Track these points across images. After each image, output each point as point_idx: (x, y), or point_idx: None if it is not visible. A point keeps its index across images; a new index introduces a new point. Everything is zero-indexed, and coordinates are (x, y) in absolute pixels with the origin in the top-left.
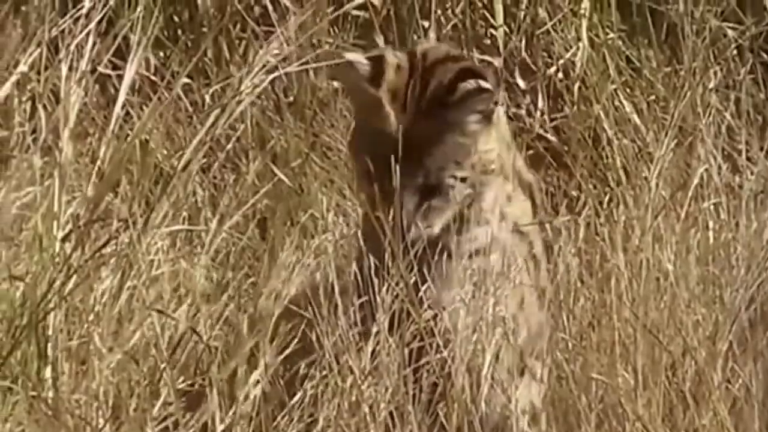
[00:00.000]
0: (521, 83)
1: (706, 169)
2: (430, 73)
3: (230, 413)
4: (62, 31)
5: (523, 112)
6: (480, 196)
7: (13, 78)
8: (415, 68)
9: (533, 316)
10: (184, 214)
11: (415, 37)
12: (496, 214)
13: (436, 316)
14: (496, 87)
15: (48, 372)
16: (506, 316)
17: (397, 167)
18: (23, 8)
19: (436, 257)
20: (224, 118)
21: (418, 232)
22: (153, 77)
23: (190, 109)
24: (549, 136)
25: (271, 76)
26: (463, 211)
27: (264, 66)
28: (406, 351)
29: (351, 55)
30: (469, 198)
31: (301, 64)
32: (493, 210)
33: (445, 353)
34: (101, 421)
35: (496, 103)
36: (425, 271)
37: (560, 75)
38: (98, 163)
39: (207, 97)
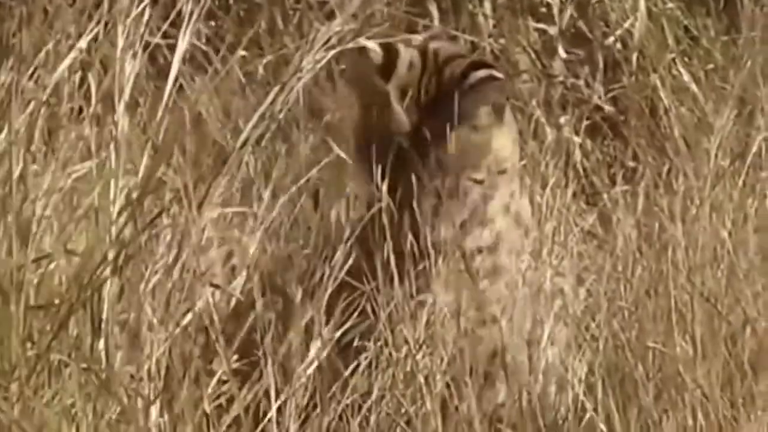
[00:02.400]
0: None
1: (765, 139)
2: (442, 70)
3: (286, 388)
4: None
5: (581, 82)
6: (492, 197)
7: (72, 54)
8: (427, 66)
9: None
10: (237, 185)
11: (471, 7)
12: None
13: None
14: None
15: (101, 345)
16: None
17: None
18: None
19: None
20: (283, 95)
21: (437, 236)
22: (205, 48)
23: (243, 80)
24: (606, 106)
25: (332, 53)
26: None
27: (325, 43)
28: (462, 321)
29: (365, 42)
30: (483, 200)
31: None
32: (501, 209)
33: (503, 323)
34: (153, 395)
35: (507, 99)
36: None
37: (618, 45)
38: (152, 135)
39: (261, 69)
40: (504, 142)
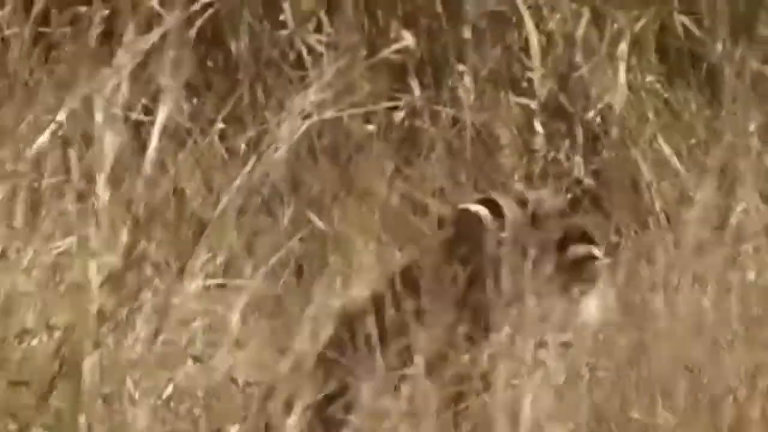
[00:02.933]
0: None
1: (746, 210)
2: (541, 224)
3: None
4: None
5: (561, 156)
6: None
7: (51, 127)
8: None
9: None
10: (220, 260)
11: (450, 82)
12: None
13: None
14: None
15: (83, 419)
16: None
17: None
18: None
19: None
20: (261, 165)
21: None
22: (187, 124)
23: (226, 156)
24: (587, 179)
25: (308, 122)
26: None
27: (300, 112)
28: (445, 394)
29: (473, 206)
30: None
31: (339, 110)
32: None
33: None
34: None
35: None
36: None
37: (598, 119)
38: (132, 209)
39: (243, 144)
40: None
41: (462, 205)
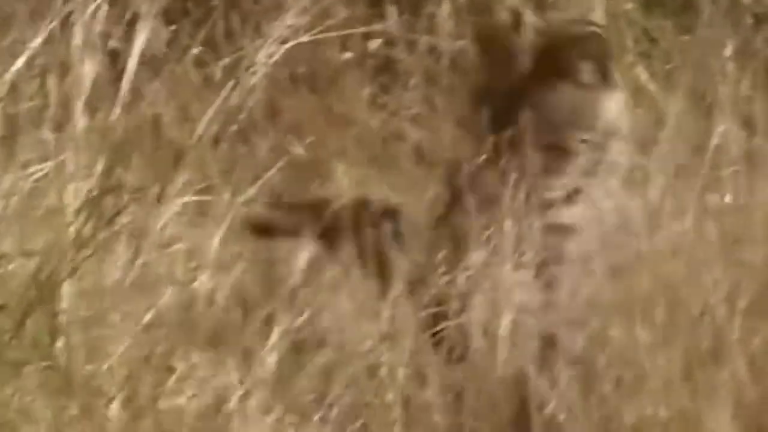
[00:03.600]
0: None
1: (724, 135)
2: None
3: (246, 382)
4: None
5: None
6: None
7: (27, 53)
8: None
9: None
10: (198, 187)
11: (429, 7)
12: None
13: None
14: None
15: (60, 344)
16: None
17: None
18: None
19: None
20: (238, 90)
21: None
22: (164, 51)
23: (203, 83)
24: None
25: (285, 47)
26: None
27: (277, 37)
28: (424, 314)
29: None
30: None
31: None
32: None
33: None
34: (114, 393)
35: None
36: None
37: None
38: (109, 136)
39: (219, 71)
40: (610, 104)
41: None
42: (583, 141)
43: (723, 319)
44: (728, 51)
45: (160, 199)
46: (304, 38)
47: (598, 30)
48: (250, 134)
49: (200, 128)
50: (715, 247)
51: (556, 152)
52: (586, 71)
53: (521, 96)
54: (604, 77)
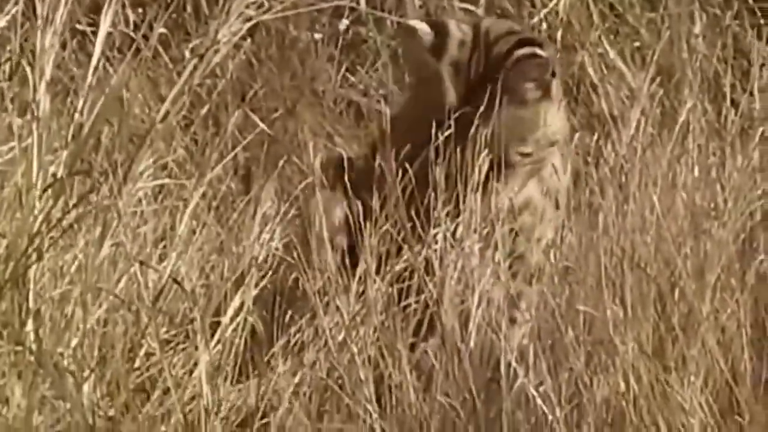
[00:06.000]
0: None
1: (692, 110)
2: (492, 48)
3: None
4: None
5: None
6: (540, 170)
7: None
8: (477, 44)
9: None
10: (168, 168)
11: None
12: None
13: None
14: (553, 58)
15: (30, 324)
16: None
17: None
18: None
19: None
20: (202, 68)
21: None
22: (132, 34)
23: (171, 65)
24: None
25: (249, 24)
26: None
27: (241, 14)
28: (394, 291)
29: (414, 23)
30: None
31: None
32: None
33: (433, 291)
34: (85, 371)
35: (553, 75)
36: None
37: (543, 23)
38: (76, 118)
39: (187, 52)
40: (552, 117)
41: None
42: (524, 155)
43: (693, 294)
44: (697, 28)
45: (126, 179)
46: (267, 16)
47: (543, 54)
48: (219, 114)
49: (165, 107)
50: (684, 222)
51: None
52: (530, 90)
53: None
54: (546, 93)
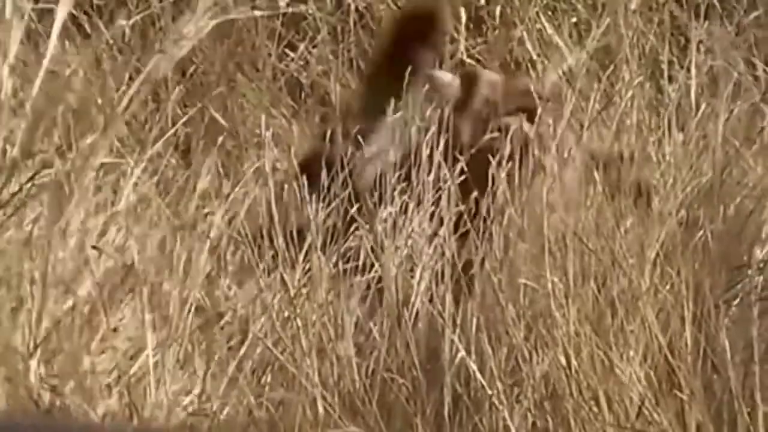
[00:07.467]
0: None
1: (629, 87)
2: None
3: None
4: None
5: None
6: None
7: None
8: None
9: None
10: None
11: None
12: None
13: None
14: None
15: None
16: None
17: None
18: None
19: None
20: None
21: None
22: (94, 18)
23: (111, 42)
24: (470, 60)
25: (215, 21)
26: None
27: (207, 11)
28: (341, 266)
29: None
30: None
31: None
32: None
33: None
34: (35, 353)
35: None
36: None
37: (482, 1)
38: (32, 102)
39: (127, 30)
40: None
41: None
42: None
43: (633, 269)
44: (633, 4)
45: (77, 160)
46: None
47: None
48: (158, 90)
49: (130, 95)
50: (625, 198)
51: None
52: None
53: None
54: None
